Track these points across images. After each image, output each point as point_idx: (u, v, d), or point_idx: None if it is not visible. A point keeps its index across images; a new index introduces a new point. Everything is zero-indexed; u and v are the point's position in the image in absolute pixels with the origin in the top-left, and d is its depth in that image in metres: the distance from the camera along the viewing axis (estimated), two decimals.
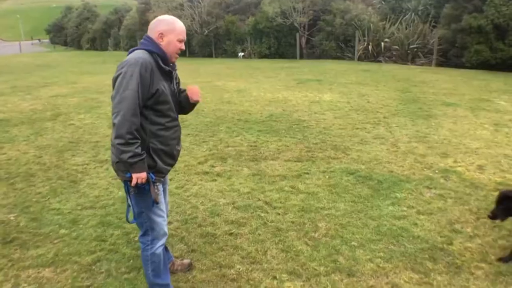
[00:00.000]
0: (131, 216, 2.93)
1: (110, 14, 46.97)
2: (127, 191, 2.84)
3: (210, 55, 29.07)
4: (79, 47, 53.86)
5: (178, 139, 3.01)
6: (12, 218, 4.59)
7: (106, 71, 19.62)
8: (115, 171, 2.86)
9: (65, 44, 60.97)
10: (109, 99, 9.32)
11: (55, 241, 4.05)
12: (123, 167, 2.72)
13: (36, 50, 55.98)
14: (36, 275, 3.53)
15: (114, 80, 2.67)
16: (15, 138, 7.77)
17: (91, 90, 13.21)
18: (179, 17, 27.26)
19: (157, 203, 2.87)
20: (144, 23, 33.67)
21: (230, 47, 27.76)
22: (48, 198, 5.08)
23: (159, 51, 2.78)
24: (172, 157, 2.96)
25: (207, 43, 29.02)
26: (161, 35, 2.80)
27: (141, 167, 2.66)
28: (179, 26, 2.86)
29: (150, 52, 2.76)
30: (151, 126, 2.77)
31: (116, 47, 43.44)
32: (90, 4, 57.86)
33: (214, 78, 15.37)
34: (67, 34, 58.13)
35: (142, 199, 2.82)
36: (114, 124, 2.61)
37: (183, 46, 2.90)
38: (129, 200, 2.89)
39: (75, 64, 25.15)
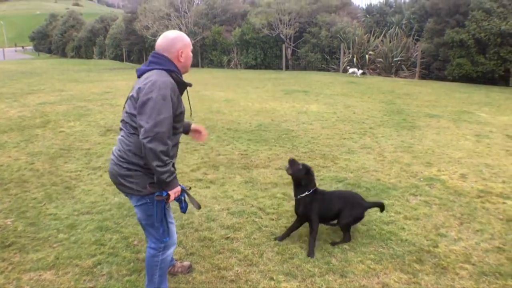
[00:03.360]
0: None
1: (95, 23, 46.94)
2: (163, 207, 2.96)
3: (196, 65, 29.23)
4: (64, 55, 53.63)
5: None
6: (9, 222, 4.66)
7: (92, 79, 19.67)
8: (135, 190, 2.87)
9: (49, 51, 60.67)
10: (98, 107, 9.39)
11: (55, 245, 4.14)
12: (158, 187, 2.83)
13: (20, 57, 55.60)
14: (37, 278, 3.59)
15: (142, 103, 2.66)
16: (5, 144, 7.81)
17: (78, 98, 13.25)
18: (166, 27, 27.55)
19: (200, 207, 3.14)
20: (130, 32, 33.76)
21: (216, 58, 27.98)
22: (44, 204, 5.16)
23: (176, 69, 2.87)
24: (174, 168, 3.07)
25: (193, 53, 28.81)
26: (182, 53, 2.88)
27: (175, 183, 2.83)
28: (188, 37, 3.00)
29: (169, 71, 2.82)
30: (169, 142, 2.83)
31: (102, 55, 43.38)
32: (75, 12, 57.81)
33: (202, 88, 15.51)
34: (52, 42, 57.92)
35: (158, 205, 2.93)
36: (148, 148, 2.63)
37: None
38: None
39: (60, 72, 25.05)
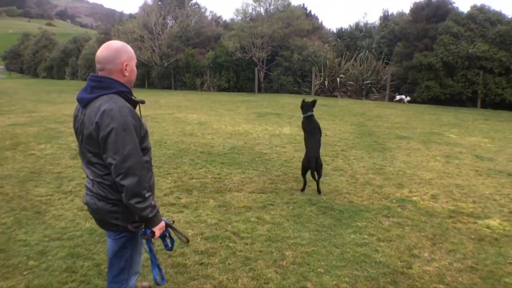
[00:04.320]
0: (159, 278, 2.84)
1: (68, 43, 46.53)
2: (149, 247, 2.78)
3: (169, 87, 29.21)
4: (35, 75, 52.95)
5: None
6: None
7: (64, 100, 19.39)
8: (120, 226, 2.67)
9: (21, 71, 59.93)
10: (70, 129, 9.24)
11: (25, 273, 4.02)
12: (140, 226, 2.64)
13: None
14: None
15: (104, 138, 2.44)
16: None
17: (49, 119, 13.04)
18: (139, 49, 27.48)
19: (188, 241, 2.88)
20: None
21: (189, 80, 28.00)
22: (14, 229, 5.02)
23: (126, 88, 2.62)
24: (153, 189, 2.88)
25: (166, 75, 29.19)
26: (126, 66, 2.61)
27: (159, 218, 2.60)
28: (131, 49, 2.71)
29: (119, 93, 2.57)
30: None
31: (74, 76, 42.95)
32: (48, 32, 57.30)
33: (175, 110, 15.49)
34: (24, 62, 57.26)
35: (135, 239, 2.77)
36: (122, 185, 2.44)
37: None
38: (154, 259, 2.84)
39: (32, 93, 24.66)
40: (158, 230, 2.59)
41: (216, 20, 32.73)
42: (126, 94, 2.60)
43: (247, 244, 4.60)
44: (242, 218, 5.32)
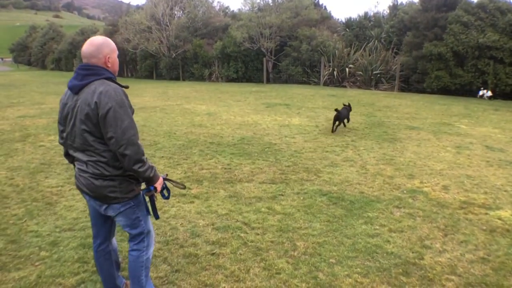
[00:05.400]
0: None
1: (76, 35, 46.63)
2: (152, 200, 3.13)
3: (177, 78, 29.21)
4: (43, 67, 53.19)
5: None
6: None
7: None
8: (119, 198, 2.93)
9: (28, 63, 60.29)
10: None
11: (37, 264, 4.04)
12: (144, 186, 2.99)
13: None
14: None
15: (103, 116, 2.69)
16: None
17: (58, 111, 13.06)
18: (147, 40, 27.45)
19: (185, 187, 3.40)
20: None
21: (197, 71, 27.98)
22: (25, 220, 5.05)
23: (113, 75, 2.91)
24: None
25: (174, 66, 29.19)
26: (109, 58, 2.89)
27: (157, 175, 2.96)
28: (113, 43, 2.99)
29: (108, 79, 2.84)
30: None
31: None
32: (55, 24, 57.42)
33: (183, 101, 15.49)
34: (31, 54, 57.54)
35: (140, 205, 3.05)
36: (125, 155, 2.71)
37: None
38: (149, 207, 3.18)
39: (40, 85, 24.77)
40: (159, 185, 2.98)
41: (224, 10, 32.68)
42: (113, 80, 2.88)
43: (258, 234, 4.60)
44: (252, 209, 5.31)
